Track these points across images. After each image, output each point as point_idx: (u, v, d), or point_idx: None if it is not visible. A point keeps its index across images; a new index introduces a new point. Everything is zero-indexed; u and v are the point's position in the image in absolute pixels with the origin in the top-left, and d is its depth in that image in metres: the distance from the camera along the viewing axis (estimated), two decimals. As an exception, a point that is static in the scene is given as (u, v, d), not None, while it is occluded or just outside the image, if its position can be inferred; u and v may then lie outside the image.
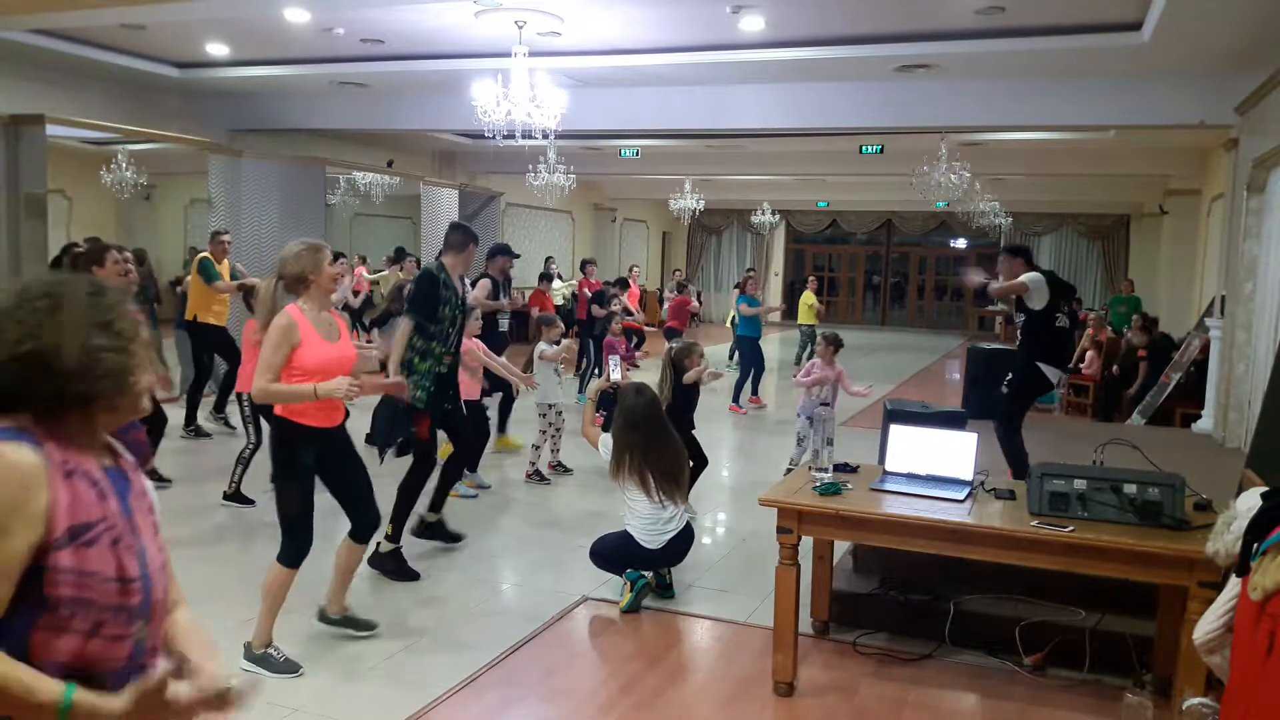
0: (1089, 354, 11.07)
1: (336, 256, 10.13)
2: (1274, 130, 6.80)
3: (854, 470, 4.07)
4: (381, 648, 3.99)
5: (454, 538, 5.45)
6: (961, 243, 23.98)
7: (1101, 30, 7.23)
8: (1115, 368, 10.67)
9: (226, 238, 8.35)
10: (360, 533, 3.98)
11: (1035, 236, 22.06)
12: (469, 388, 6.19)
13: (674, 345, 6.25)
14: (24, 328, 1.44)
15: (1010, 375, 5.63)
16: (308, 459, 3.71)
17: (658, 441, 4.62)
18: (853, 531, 3.73)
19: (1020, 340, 5.56)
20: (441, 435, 5.32)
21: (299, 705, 3.46)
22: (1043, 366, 5.47)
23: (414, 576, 4.87)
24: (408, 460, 5.07)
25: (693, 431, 5.96)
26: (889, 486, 3.80)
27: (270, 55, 9.52)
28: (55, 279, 1.53)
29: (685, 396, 5.95)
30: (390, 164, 14.05)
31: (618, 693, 3.70)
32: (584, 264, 12.28)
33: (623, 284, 13.05)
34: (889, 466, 3.98)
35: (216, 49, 9.34)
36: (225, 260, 8.26)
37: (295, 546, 3.71)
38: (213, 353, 8.20)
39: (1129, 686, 3.72)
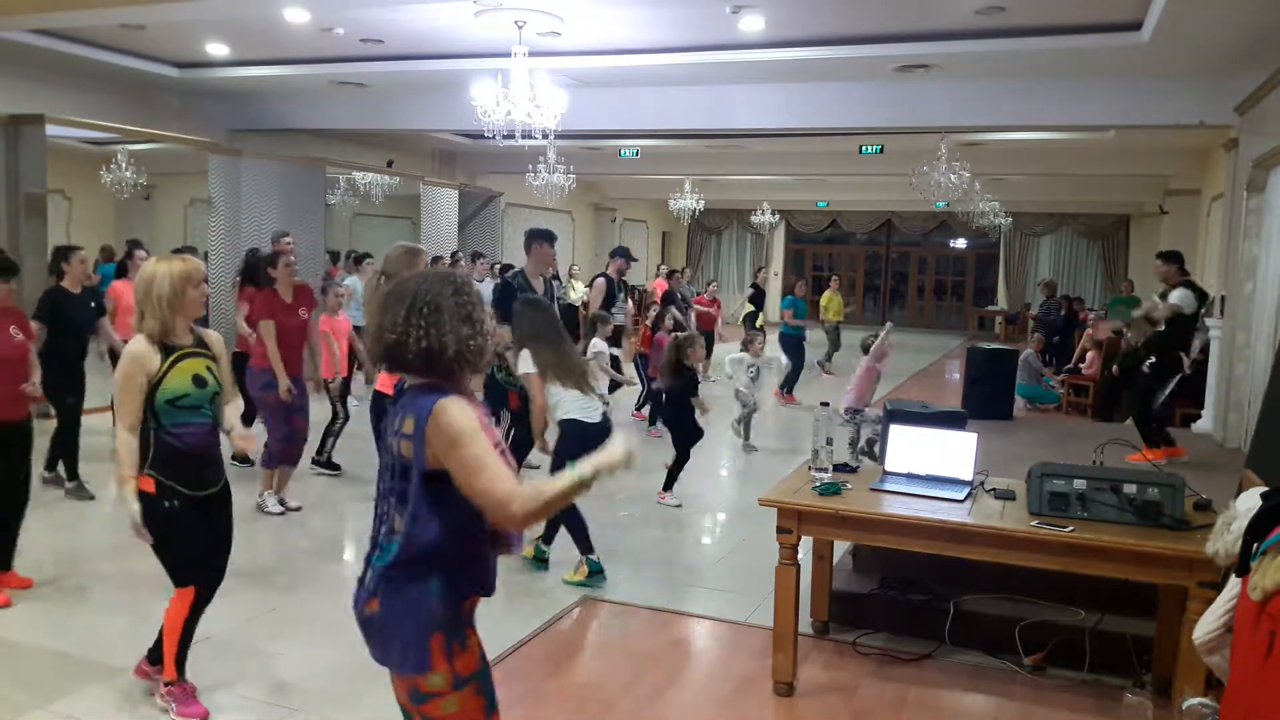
0: (1089, 354, 11.06)
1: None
2: (1274, 130, 6.80)
3: (854, 470, 4.07)
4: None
5: None
6: (961, 243, 23.98)
7: (1101, 30, 7.23)
8: (1115, 368, 10.65)
9: (288, 240, 8.44)
10: None
11: (1035, 236, 22.06)
12: None
13: (679, 334, 6.78)
14: (419, 330, 2.06)
15: (1153, 360, 6.31)
16: None
17: (564, 345, 4.97)
18: (853, 531, 3.73)
19: (1164, 331, 6.27)
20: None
21: (299, 705, 3.46)
22: (1181, 355, 6.36)
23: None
24: None
25: (694, 416, 6.43)
26: (889, 486, 3.79)
27: (270, 55, 9.52)
28: (427, 285, 2.12)
29: (686, 382, 6.48)
30: (390, 164, 14.04)
31: (618, 693, 3.70)
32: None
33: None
34: (889, 466, 3.98)
35: (216, 49, 9.34)
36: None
37: None
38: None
39: (1129, 686, 3.72)
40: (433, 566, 2.08)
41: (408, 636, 2.08)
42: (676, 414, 6.45)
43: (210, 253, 10.30)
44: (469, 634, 2.17)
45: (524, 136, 8.15)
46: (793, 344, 11.19)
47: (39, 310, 5.66)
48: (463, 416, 2.03)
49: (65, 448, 6.07)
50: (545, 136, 8.23)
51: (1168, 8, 6.16)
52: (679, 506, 6.32)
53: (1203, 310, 6.39)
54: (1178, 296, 6.20)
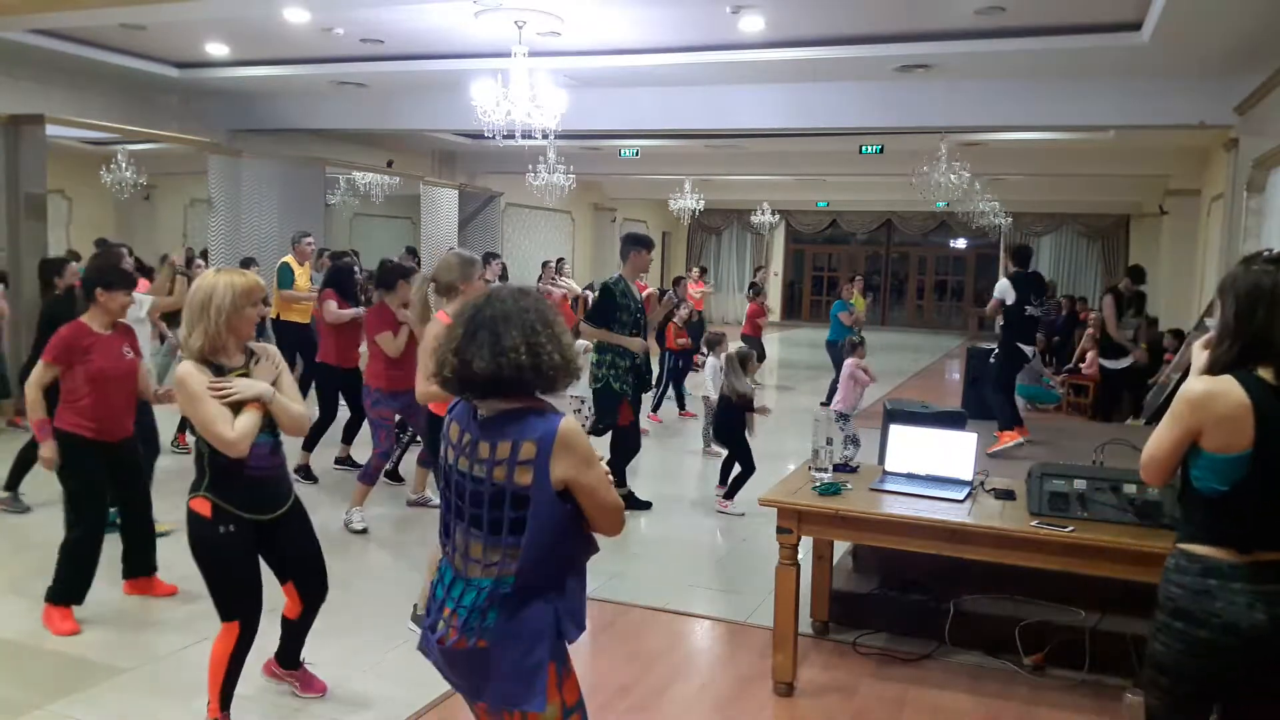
0: (1089, 354, 11.05)
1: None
2: (1274, 130, 6.81)
3: (854, 470, 4.07)
4: (382, 646, 3.99)
5: (644, 505, 6.14)
6: (961, 243, 23.97)
7: (1101, 30, 7.24)
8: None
9: (309, 241, 8.39)
10: None
11: (1035, 236, 22.04)
12: None
13: (742, 348, 6.58)
14: (518, 353, 1.96)
15: (997, 351, 7.13)
16: None
17: None
18: (853, 531, 3.73)
19: (1002, 326, 7.04)
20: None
21: (299, 705, 3.46)
22: (1020, 345, 6.97)
23: (646, 506, 6.11)
24: None
25: (746, 433, 6.23)
26: (889, 486, 3.79)
27: (270, 55, 9.52)
28: (519, 303, 2.01)
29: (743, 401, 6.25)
30: (390, 164, 14.05)
31: (617, 693, 3.70)
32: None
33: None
34: (889, 466, 3.98)
35: (216, 49, 9.35)
36: (307, 264, 8.52)
37: None
38: (294, 350, 8.25)
39: (1129, 686, 3.71)
40: (551, 595, 2.03)
41: (526, 671, 2.00)
42: (733, 429, 6.24)
43: (210, 253, 10.30)
44: (569, 658, 2.12)
45: (524, 136, 8.15)
46: (838, 349, 10.95)
47: (45, 328, 5.07)
48: (584, 436, 2.05)
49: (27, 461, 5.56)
50: (545, 136, 8.24)
51: (1168, 8, 6.17)
52: (742, 515, 6.07)
53: (1038, 301, 6.96)
54: (997, 287, 6.82)
